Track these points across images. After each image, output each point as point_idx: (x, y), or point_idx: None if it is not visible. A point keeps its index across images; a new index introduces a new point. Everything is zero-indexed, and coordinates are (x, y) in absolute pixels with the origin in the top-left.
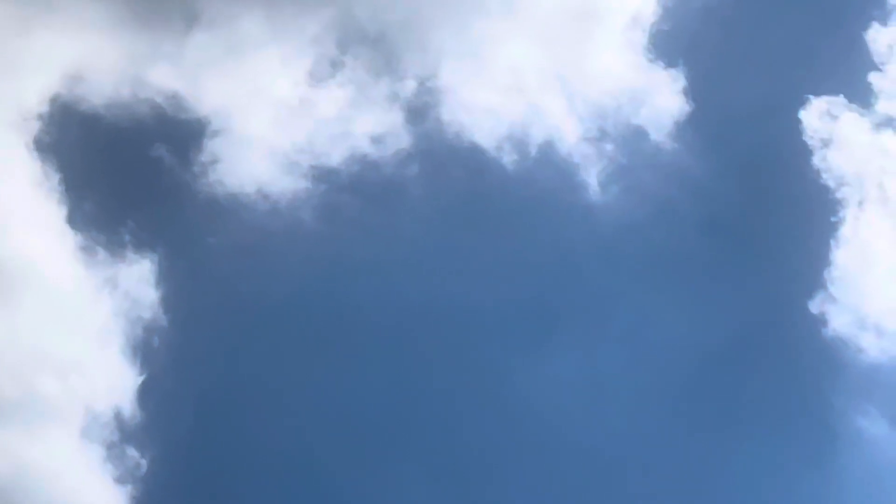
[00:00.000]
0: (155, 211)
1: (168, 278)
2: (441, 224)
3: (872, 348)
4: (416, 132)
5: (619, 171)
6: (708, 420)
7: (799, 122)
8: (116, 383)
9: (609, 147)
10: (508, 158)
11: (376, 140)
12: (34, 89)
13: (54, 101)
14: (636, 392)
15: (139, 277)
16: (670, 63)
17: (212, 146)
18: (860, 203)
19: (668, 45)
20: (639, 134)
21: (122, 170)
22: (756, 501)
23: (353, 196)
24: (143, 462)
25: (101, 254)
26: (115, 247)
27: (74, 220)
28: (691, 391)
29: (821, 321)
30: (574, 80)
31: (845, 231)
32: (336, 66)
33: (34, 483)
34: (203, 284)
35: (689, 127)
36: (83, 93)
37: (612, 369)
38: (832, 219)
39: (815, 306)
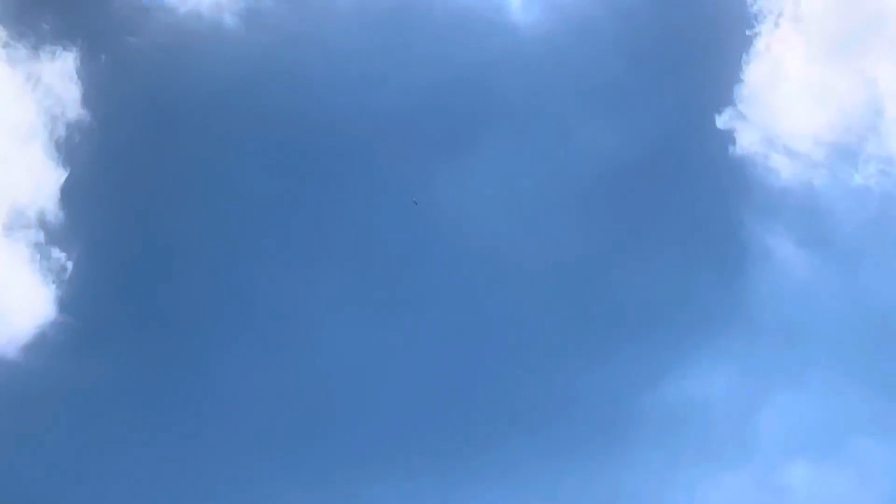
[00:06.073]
0: (75, 5)
1: (89, 75)
2: (365, 35)
3: (783, 170)
4: None
5: None
6: (619, 231)
7: None
8: (40, 182)
9: None
10: None
11: None
12: None
13: None
14: (551, 202)
15: (61, 74)
16: None
17: None
18: (776, 18)
19: None
20: None
21: None
22: (666, 309)
23: (278, 2)
24: (69, 264)
25: (22, 50)
26: (36, 41)
27: None
28: (604, 203)
29: (729, 138)
30: None
31: (759, 46)
32: None
33: None
34: (124, 83)
35: None
36: None
37: (529, 181)
38: (747, 32)
39: (722, 122)
